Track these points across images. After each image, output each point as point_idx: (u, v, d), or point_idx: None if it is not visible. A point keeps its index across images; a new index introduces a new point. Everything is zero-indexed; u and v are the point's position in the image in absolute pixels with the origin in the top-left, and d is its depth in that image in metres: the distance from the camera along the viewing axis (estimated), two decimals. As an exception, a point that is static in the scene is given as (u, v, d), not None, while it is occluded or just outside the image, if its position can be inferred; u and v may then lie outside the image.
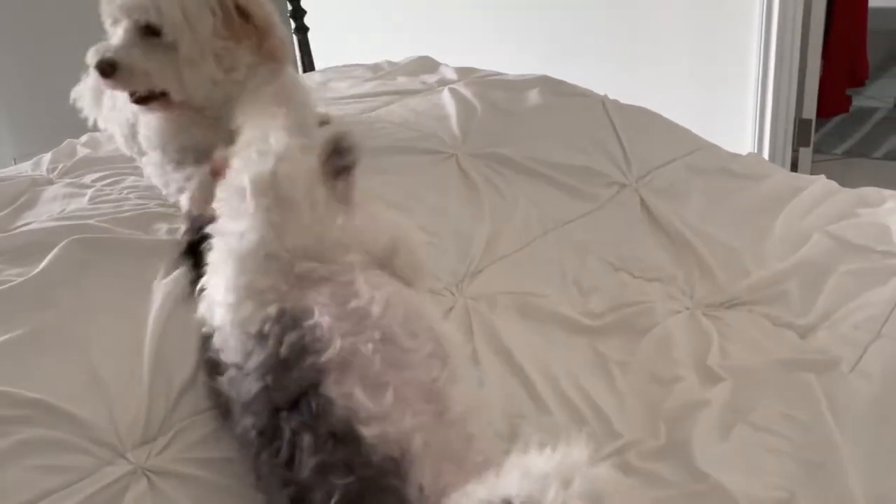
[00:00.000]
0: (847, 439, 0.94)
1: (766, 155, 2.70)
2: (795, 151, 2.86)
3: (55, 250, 1.12)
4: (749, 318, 1.20)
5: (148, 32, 1.19)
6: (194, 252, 1.07)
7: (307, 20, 2.59)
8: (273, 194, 0.89)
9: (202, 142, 1.30)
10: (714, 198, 1.52)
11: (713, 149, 1.70)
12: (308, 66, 2.60)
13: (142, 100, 1.25)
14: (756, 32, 2.61)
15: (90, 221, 1.23)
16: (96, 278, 1.10)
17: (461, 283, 1.26)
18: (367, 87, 1.89)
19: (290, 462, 0.75)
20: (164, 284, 1.09)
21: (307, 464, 0.73)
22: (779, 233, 1.41)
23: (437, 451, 0.74)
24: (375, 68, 2.08)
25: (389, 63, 2.11)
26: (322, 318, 0.82)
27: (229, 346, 0.86)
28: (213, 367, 0.90)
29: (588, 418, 1.04)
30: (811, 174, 1.68)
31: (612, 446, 1.00)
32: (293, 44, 1.33)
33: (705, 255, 1.36)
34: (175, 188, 1.30)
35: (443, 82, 1.83)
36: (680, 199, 1.51)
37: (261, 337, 0.83)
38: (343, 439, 0.74)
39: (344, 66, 2.18)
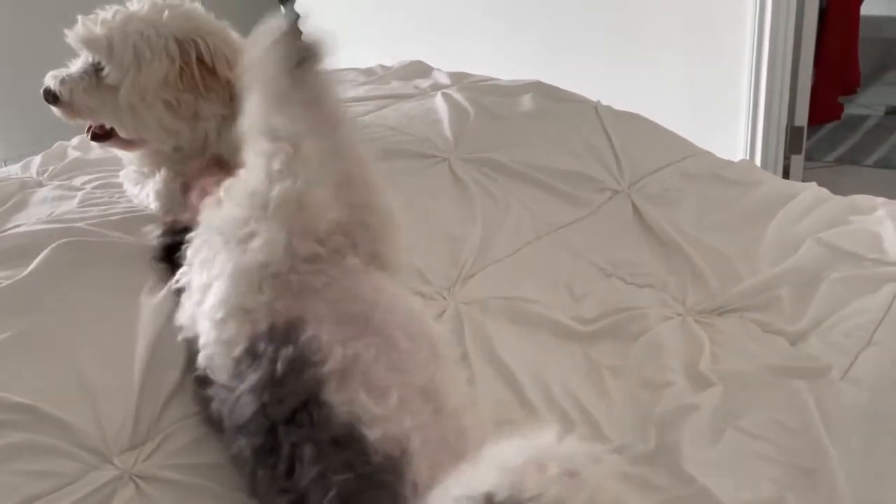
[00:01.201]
0: (838, 446, 0.94)
1: (758, 162, 2.70)
2: (787, 158, 2.87)
3: (44, 253, 1.11)
4: (740, 325, 1.20)
5: (101, 68, 1.18)
6: (170, 255, 1.05)
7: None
8: (299, 223, 0.83)
9: (185, 169, 1.27)
10: (706, 204, 1.52)
11: (706, 155, 1.70)
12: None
13: (97, 137, 1.25)
14: (748, 40, 2.62)
15: (79, 224, 1.22)
16: (85, 281, 1.10)
17: (453, 287, 1.25)
18: (360, 91, 1.88)
19: (290, 473, 0.74)
20: (157, 289, 1.09)
21: (308, 473, 0.73)
22: (770, 239, 1.41)
23: (434, 446, 0.75)
24: (368, 72, 2.08)
25: (383, 67, 2.10)
26: (319, 330, 0.80)
27: (216, 366, 0.84)
28: (201, 381, 0.88)
29: (578, 423, 1.04)
30: (803, 181, 1.69)
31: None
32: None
33: (697, 262, 1.36)
34: (145, 193, 1.29)
35: (436, 87, 1.83)
36: (672, 205, 1.51)
37: (253, 357, 0.80)
38: (345, 443, 0.73)
39: (336, 69, 2.18)
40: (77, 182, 1.46)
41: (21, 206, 1.37)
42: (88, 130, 1.26)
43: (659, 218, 1.47)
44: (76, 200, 1.36)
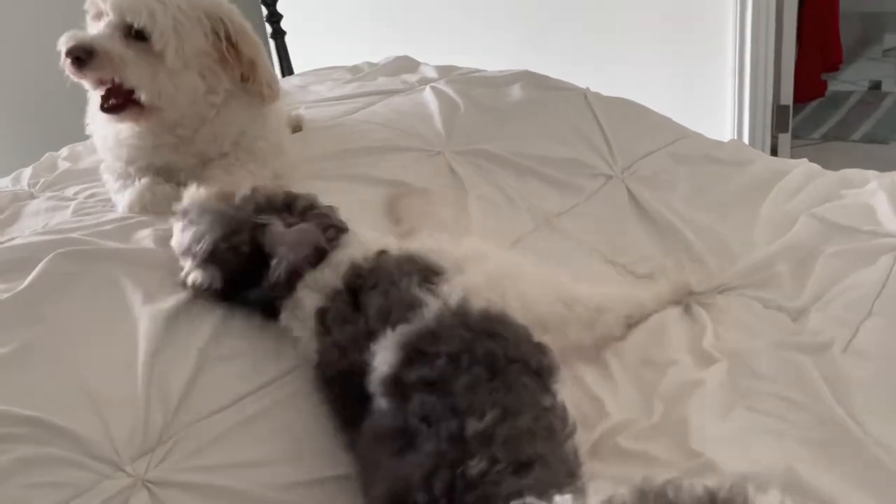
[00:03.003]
0: (848, 419, 0.94)
1: (745, 142, 2.71)
2: (774, 137, 2.88)
3: (41, 265, 1.11)
4: (741, 302, 1.21)
5: (131, 35, 1.19)
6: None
7: (283, 24, 2.58)
8: None
9: (170, 162, 1.32)
10: (699, 185, 1.53)
11: (696, 137, 1.70)
12: (286, 69, 2.58)
13: (114, 108, 1.24)
14: (731, 20, 2.63)
15: (74, 235, 1.22)
16: (83, 291, 1.09)
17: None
18: (348, 88, 1.88)
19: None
20: (152, 294, 1.08)
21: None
22: (765, 217, 1.41)
23: None
24: (355, 70, 2.08)
25: (369, 64, 2.10)
26: None
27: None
28: None
29: (582, 403, 1.04)
30: (791, 159, 1.69)
31: (603, 427, 1.00)
32: (278, 83, 1.38)
33: (694, 243, 1.37)
34: (121, 195, 1.32)
35: (424, 81, 1.83)
36: (666, 187, 1.52)
37: None
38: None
39: (323, 68, 2.18)
40: (69, 192, 1.46)
41: (14, 218, 1.36)
42: (105, 100, 1.24)
43: (653, 201, 1.47)
44: (69, 211, 1.36)
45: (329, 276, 1.01)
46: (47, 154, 1.69)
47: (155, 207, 1.29)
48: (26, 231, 1.29)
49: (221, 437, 0.93)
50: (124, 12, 1.18)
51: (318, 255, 1.03)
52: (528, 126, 1.61)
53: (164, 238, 1.22)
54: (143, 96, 1.22)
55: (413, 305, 0.91)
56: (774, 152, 2.87)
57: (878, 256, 1.22)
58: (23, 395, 0.94)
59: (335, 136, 1.56)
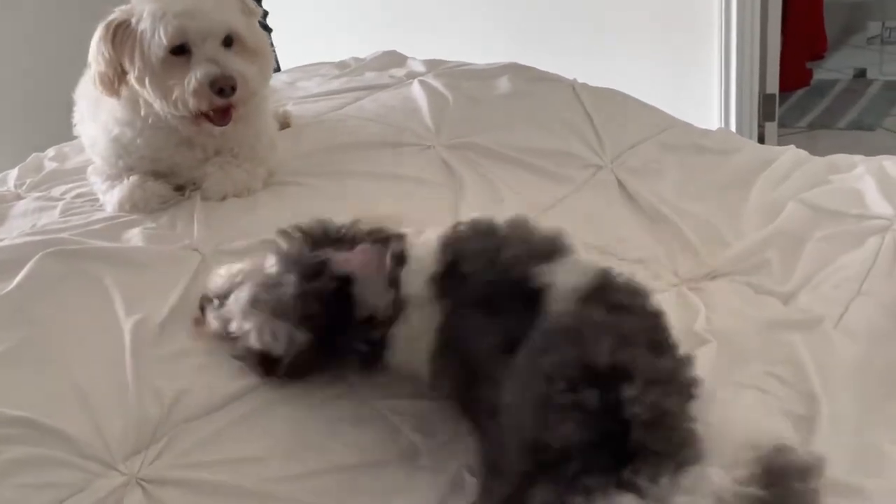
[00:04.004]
0: (833, 395, 0.95)
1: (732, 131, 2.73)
2: (761, 127, 2.89)
3: (28, 265, 1.10)
4: (732, 288, 1.21)
5: (229, 46, 1.21)
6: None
7: (269, 20, 2.57)
8: None
9: (173, 164, 1.33)
10: (688, 174, 1.53)
11: (684, 126, 1.71)
12: (274, 67, 2.57)
13: (226, 116, 1.24)
14: (717, 11, 2.64)
15: (63, 235, 1.21)
16: (72, 291, 1.09)
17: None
18: (335, 84, 1.88)
19: None
20: (142, 293, 1.08)
21: None
22: (754, 204, 1.42)
23: None
24: (342, 65, 2.07)
25: (356, 59, 2.10)
26: None
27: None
28: None
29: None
30: (778, 147, 1.69)
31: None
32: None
33: (684, 231, 1.37)
34: (111, 194, 1.32)
35: (411, 75, 1.83)
36: (655, 177, 1.52)
37: None
38: None
39: (309, 64, 2.17)
40: (56, 192, 1.45)
41: (1, 220, 1.36)
42: (225, 116, 1.24)
43: (643, 191, 1.47)
44: (57, 211, 1.36)
45: (417, 276, 0.89)
46: (33, 155, 1.68)
47: (145, 205, 1.29)
48: (14, 232, 1.29)
49: (215, 434, 0.92)
50: (229, 24, 1.19)
51: (398, 261, 0.91)
52: (516, 118, 1.61)
53: (153, 237, 1.22)
54: (249, 98, 1.25)
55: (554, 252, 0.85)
56: (762, 141, 2.88)
57: (867, 238, 1.23)
58: (13, 396, 0.93)
59: (324, 132, 1.55)
